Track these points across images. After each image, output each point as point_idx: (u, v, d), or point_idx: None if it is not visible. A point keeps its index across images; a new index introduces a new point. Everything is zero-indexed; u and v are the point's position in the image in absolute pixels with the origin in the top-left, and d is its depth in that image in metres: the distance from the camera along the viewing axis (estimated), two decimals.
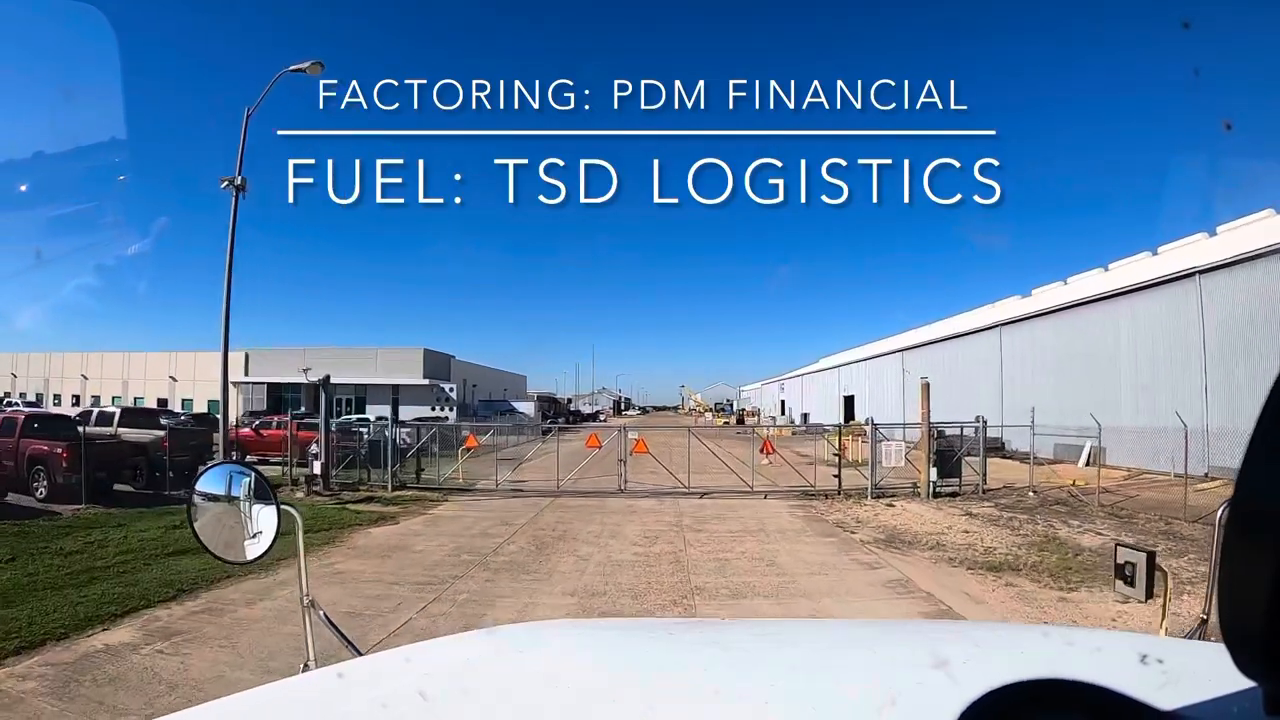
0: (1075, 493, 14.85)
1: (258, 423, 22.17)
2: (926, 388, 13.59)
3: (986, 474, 14.59)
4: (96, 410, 18.46)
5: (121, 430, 16.34)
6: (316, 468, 14.74)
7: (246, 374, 45.83)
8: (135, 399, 51.78)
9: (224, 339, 13.73)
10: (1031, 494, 14.49)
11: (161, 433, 15.52)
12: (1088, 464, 20.72)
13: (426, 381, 41.47)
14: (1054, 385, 23.09)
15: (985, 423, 14.47)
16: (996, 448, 18.28)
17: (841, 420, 43.02)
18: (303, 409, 41.97)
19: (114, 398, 51.69)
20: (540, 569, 7.56)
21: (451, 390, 42.38)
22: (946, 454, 14.02)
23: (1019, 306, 29.53)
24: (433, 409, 39.33)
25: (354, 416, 32.38)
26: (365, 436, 17.04)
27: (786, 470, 15.39)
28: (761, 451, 13.78)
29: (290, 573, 7.80)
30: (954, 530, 10.53)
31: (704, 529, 9.84)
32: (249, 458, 20.46)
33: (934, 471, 13.43)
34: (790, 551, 8.42)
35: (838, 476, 13.62)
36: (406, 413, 39.14)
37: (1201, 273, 18.09)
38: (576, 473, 14.82)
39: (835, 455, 14.12)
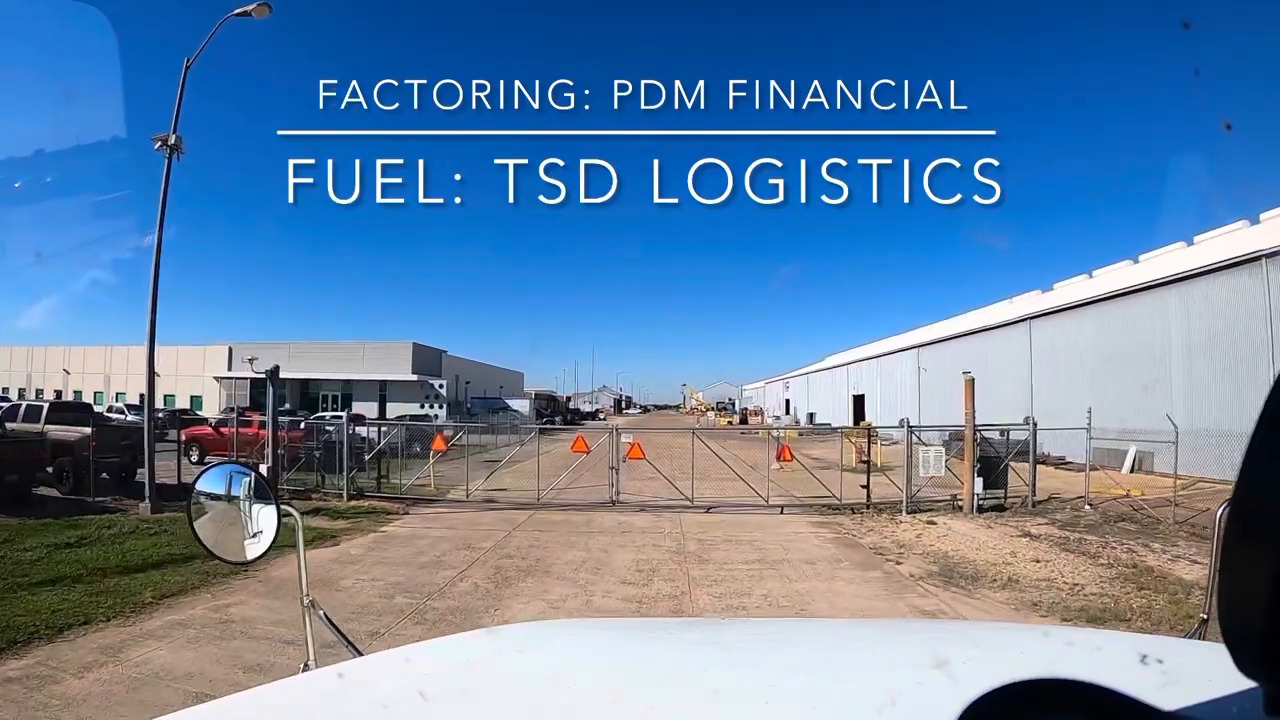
0: (1137, 505, 12.87)
1: (217, 420, 20.20)
2: (971, 383, 11.61)
3: (1036, 485, 12.62)
4: (25, 404, 16.50)
5: (49, 427, 14.44)
6: (263, 472, 12.81)
7: (230, 369, 43.95)
8: (117, 394, 50.44)
9: (150, 319, 11.82)
10: (1088, 507, 12.55)
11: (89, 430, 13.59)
12: (1132, 470, 18.81)
13: (415, 378, 39.41)
14: (1090, 383, 21.11)
15: (1036, 425, 12.52)
16: (1025, 452, 16.13)
17: (851, 420, 41.11)
18: (286, 405, 40.17)
19: (95, 393, 50.30)
20: (493, 623, 5.60)
21: (441, 387, 40.28)
22: (992, 461, 12.05)
23: (1039, 301, 27.50)
24: (421, 406, 37.35)
25: (328, 414, 30.53)
26: (331, 436, 15.11)
27: (802, 477, 13.41)
28: (778, 458, 11.80)
29: (162, 620, 5.93)
30: (1020, 558, 8.56)
31: (712, 557, 7.84)
32: (208, 459, 18.64)
33: (979, 482, 11.46)
34: (827, 594, 6.43)
35: (866, 487, 11.64)
36: (394, 410, 37.21)
37: (1268, 256, 16.09)
38: (564, 479, 12.87)
39: (863, 461, 12.12)
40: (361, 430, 15.98)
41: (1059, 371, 23.22)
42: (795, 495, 12.49)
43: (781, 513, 11.08)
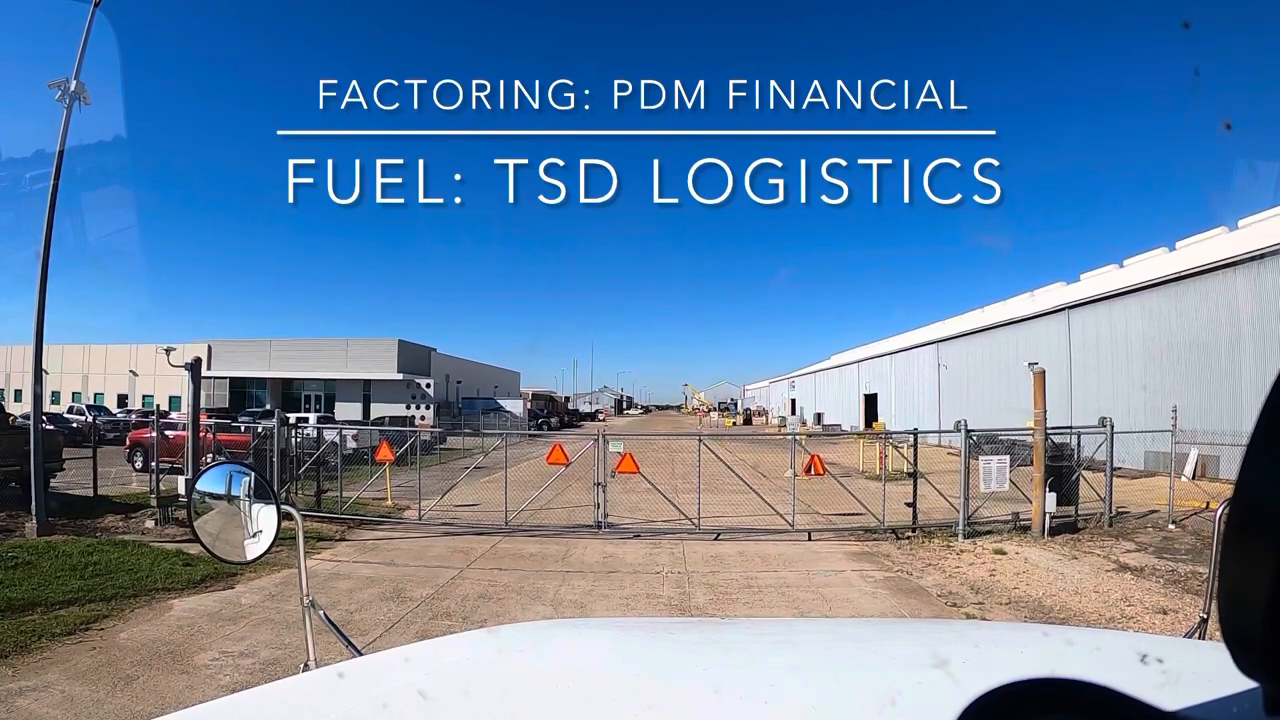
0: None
1: (164, 423, 18.10)
2: (1042, 376, 9.47)
3: (1112, 498, 10.45)
4: None
5: None
6: (180, 485, 10.74)
7: (209, 368, 41.91)
8: (95, 394, 48.83)
9: (39, 307, 9.70)
10: (1172, 525, 10.41)
11: None
12: (1194, 476, 16.71)
13: (401, 376, 37.23)
14: (1142, 379, 18.94)
15: (1113, 426, 10.35)
16: (1065, 456, 13.78)
17: (862, 421, 38.92)
18: (266, 405, 38.09)
19: (74, 393, 48.70)
20: None
21: (429, 386, 38.09)
22: (1064, 472, 9.90)
23: (1074, 291, 25.27)
24: (407, 407, 35.26)
25: (312, 415, 28.45)
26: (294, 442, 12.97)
27: (822, 487, 11.24)
28: (806, 470, 9.64)
29: None
30: (1138, 606, 6.42)
31: (730, 615, 5.70)
32: (153, 465, 16.65)
33: (1050, 498, 9.31)
34: None
35: (913, 505, 9.47)
36: (379, 411, 35.12)
37: None
38: (545, 493, 10.70)
39: (909, 474, 9.93)
40: (330, 434, 13.97)
41: (1101, 366, 21.03)
42: (821, 514, 10.33)
43: (809, 539, 8.88)
